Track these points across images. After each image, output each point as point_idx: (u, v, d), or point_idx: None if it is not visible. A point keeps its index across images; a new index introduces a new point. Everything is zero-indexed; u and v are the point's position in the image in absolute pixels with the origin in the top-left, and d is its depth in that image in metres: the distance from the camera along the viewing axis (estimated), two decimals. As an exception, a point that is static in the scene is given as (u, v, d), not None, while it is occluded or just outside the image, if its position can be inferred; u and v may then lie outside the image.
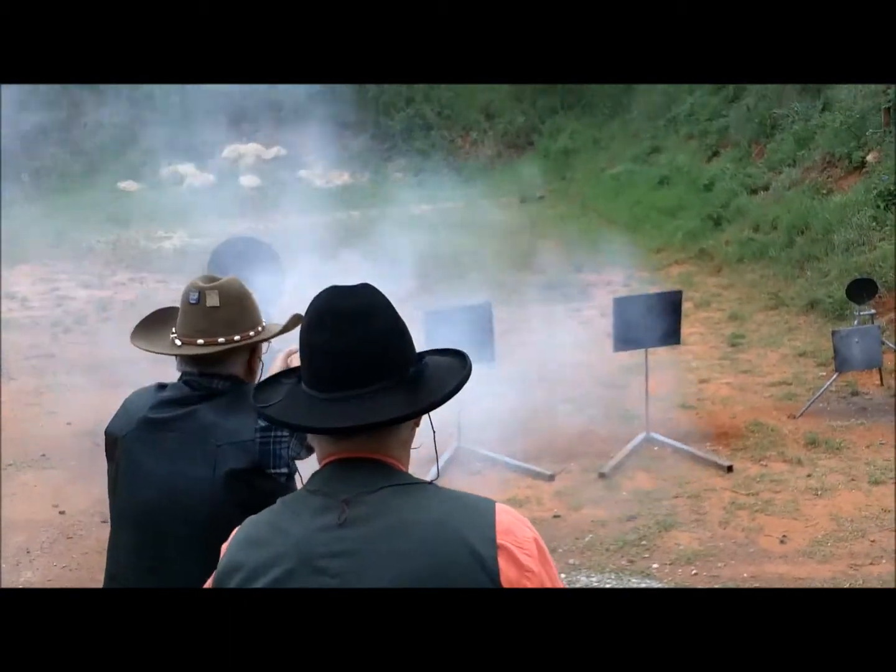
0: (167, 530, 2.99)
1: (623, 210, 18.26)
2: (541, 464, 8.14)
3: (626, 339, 8.26)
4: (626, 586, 6.21)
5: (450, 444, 8.31)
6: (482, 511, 1.89)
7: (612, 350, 8.45)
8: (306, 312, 1.98)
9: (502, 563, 1.82)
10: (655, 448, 8.33)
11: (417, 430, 2.06)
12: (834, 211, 13.39)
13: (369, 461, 1.94)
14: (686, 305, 10.23)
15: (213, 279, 3.11)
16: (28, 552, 7.07)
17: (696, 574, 6.30)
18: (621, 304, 8.32)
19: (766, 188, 16.29)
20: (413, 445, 2.06)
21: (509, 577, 1.81)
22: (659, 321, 8.14)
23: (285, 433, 2.92)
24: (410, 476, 1.97)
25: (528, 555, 1.85)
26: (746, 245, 14.53)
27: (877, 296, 9.40)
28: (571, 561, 6.60)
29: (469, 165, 22.23)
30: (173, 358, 3.15)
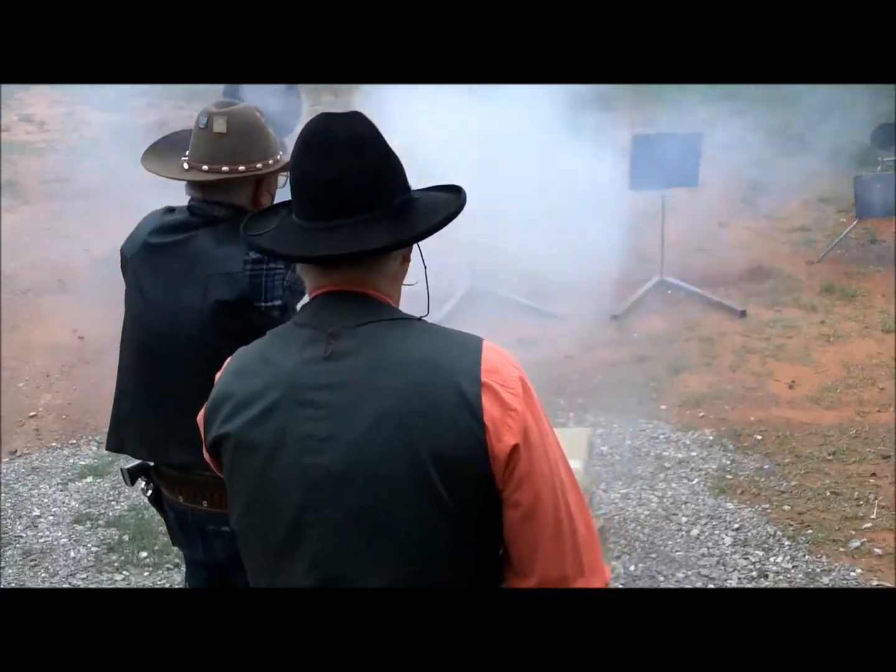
0: (162, 353, 3.03)
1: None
2: (553, 305, 8.15)
3: (643, 178, 8.17)
4: (634, 426, 6.31)
5: (464, 282, 8.33)
6: (468, 349, 1.89)
7: (629, 188, 8.37)
8: (296, 140, 1.95)
9: (486, 402, 1.82)
10: (669, 292, 8.34)
11: (412, 266, 2.05)
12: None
13: (357, 295, 1.93)
14: (707, 147, 10.07)
15: (227, 104, 3.07)
16: (48, 375, 7.19)
17: (703, 416, 6.38)
18: (640, 143, 8.22)
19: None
20: (407, 282, 2.05)
21: (492, 414, 1.82)
22: (677, 162, 8.04)
23: (280, 265, 2.91)
24: (399, 311, 1.97)
25: (513, 393, 1.85)
26: (772, 87, 14.22)
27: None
28: (580, 401, 6.67)
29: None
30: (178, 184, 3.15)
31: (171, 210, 3.17)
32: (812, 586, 4.62)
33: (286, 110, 7.53)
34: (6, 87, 15.14)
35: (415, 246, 2.01)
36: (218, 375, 2.04)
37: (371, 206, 1.89)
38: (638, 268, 8.58)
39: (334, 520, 1.83)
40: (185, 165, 3.06)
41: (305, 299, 2.03)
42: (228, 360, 2.05)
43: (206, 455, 2.07)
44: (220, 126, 3.00)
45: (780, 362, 7.06)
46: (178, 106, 14.57)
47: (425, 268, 2.06)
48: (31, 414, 6.69)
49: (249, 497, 1.93)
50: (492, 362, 1.87)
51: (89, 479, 5.87)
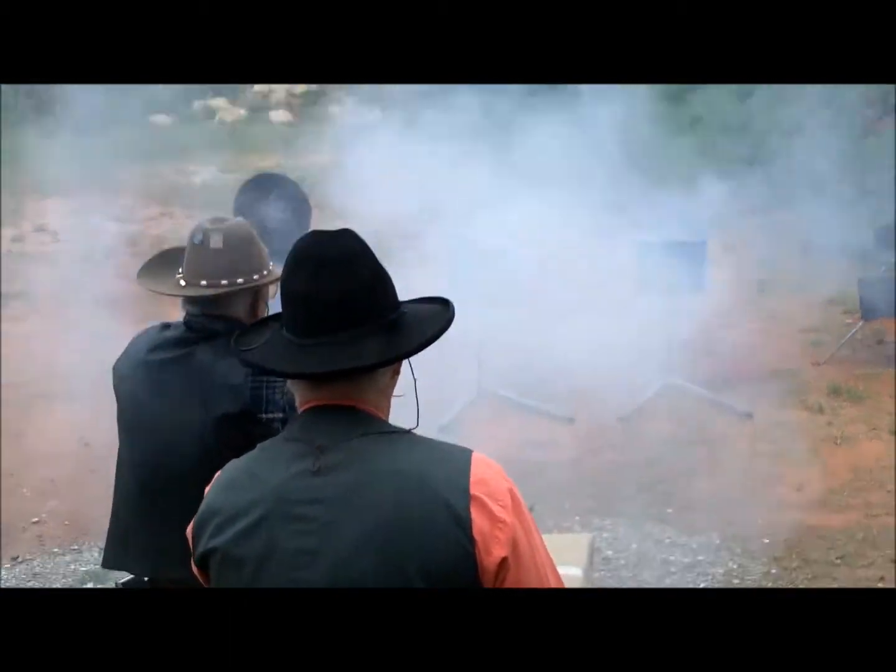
0: (162, 471, 3.03)
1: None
2: (560, 406, 8.13)
3: (650, 282, 8.23)
4: (640, 531, 6.25)
5: (470, 386, 8.34)
6: (457, 461, 1.90)
7: (635, 291, 8.43)
8: (287, 257, 1.97)
9: (475, 515, 1.82)
10: (676, 393, 8.31)
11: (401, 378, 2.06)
12: (870, 154, 13.17)
13: (346, 409, 1.93)
14: (713, 248, 10.14)
15: (220, 221, 3.12)
16: (52, 482, 7.19)
17: (709, 519, 6.32)
18: (645, 249, 8.31)
19: (799, 129, 16.03)
20: (396, 393, 2.06)
21: (482, 528, 1.82)
22: (683, 268, 8.10)
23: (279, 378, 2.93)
24: (388, 424, 1.97)
25: (502, 506, 1.85)
26: (777, 188, 14.33)
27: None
28: (587, 504, 6.63)
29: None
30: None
31: (166, 326, 3.20)
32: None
33: (293, 225, 7.62)
34: (21, 197, 15.40)
35: (405, 361, 2.02)
36: (207, 490, 2.04)
37: (362, 322, 1.91)
38: (645, 369, 8.57)
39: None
40: (182, 282, 3.09)
41: None
42: (218, 474, 2.06)
43: (193, 569, 2.05)
44: (216, 242, 3.05)
45: (787, 465, 7.00)
46: (191, 215, 14.76)
47: (415, 380, 2.07)
48: (35, 520, 6.69)
49: None
50: (481, 474, 1.88)
51: (90, 584, 5.83)
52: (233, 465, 2.04)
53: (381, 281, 1.98)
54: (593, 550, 4.39)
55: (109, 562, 3.24)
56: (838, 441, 7.33)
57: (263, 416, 2.94)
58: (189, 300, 3.12)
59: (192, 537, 2.02)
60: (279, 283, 2.02)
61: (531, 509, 4.26)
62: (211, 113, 22.16)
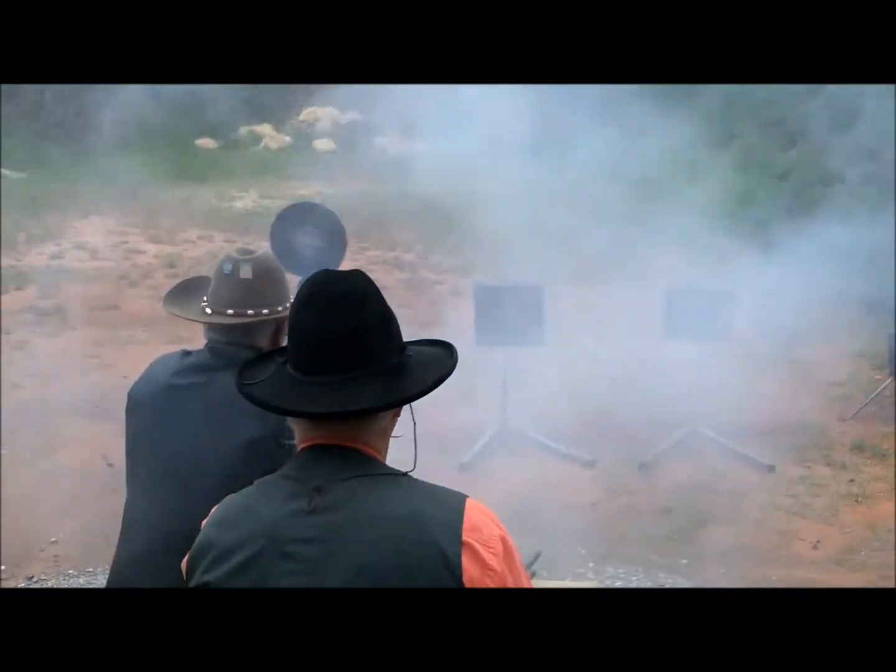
0: (181, 495, 3.05)
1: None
2: (583, 448, 8.14)
3: (676, 328, 8.25)
4: (654, 580, 6.23)
5: (494, 423, 8.36)
6: (451, 507, 1.90)
7: (665, 336, 8.44)
8: (297, 293, 2.00)
9: (466, 561, 1.83)
10: (700, 441, 8.29)
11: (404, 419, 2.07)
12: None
13: (344, 449, 1.95)
14: (746, 297, 10.11)
15: (248, 252, 3.18)
16: (74, 500, 7.24)
17: (723, 573, 6.29)
18: (672, 296, 8.32)
19: (840, 180, 15.99)
20: (395, 434, 2.07)
21: (472, 575, 1.83)
22: (710, 315, 8.10)
23: None
24: (385, 466, 1.99)
25: (493, 553, 1.86)
26: (810, 238, 14.29)
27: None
28: (601, 550, 6.61)
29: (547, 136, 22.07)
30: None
31: (187, 353, 3.24)
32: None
33: (328, 255, 7.67)
34: (62, 215, 15.59)
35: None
36: (203, 523, 2.05)
37: (365, 364, 1.93)
38: (669, 416, 8.56)
39: None
40: (208, 310, 3.15)
41: None
42: (215, 509, 2.07)
43: None
44: (245, 272, 3.10)
45: (806, 520, 6.98)
46: (230, 239, 14.90)
47: (414, 424, 2.07)
48: (53, 540, 6.74)
49: None
50: (474, 521, 1.88)
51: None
52: (229, 500, 2.05)
53: (387, 323, 2.00)
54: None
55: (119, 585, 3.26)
56: (859, 499, 7.28)
57: (287, 441, 2.96)
58: (214, 328, 3.17)
59: (187, 570, 2.02)
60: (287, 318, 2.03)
61: (537, 556, 4.28)
62: (256, 139, 22.37)
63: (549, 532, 6.73)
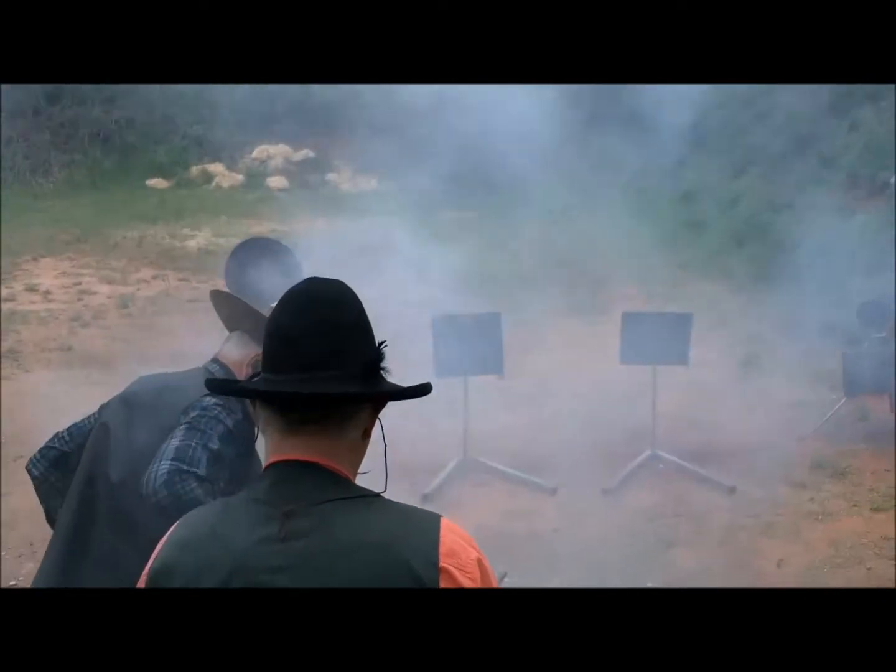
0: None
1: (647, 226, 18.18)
2: (544, 476, 8.14)
3: (634, 353, 8.29)
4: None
5: (456, 454, 8.35)
6: (426, 531, 1.85)
7: (619, 361, 8.48)
8: (277, 303, 1.97)
9: (443, 588, 1.79)
10: (661, 466, 8.32)
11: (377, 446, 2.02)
12: (857, 233, 13.29)
13: (314, 467, 1.89)
14: (702, 323, 10.20)
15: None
16: (31, 544, 7.13)
17: (689, 594, 6.29)
18: (630, 320, 8.37)
19: (790, 206, 16.18)
20: (361, 471, 2.01)
21: None
22: (668, 340, 8.15)
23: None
24: (357, 488, 1.93)
25: (470, 578, 1.82)
26: (766, 266, 14.45)
27: (889, 319, 9.31)
28: (568, 576, 6.59)
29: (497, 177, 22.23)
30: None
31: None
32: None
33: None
34: (13, 257, 15.46)
35: (377, 424, 2.00)
36: (160, 544, 1.97)
37: (344, 363, 1.89)
38: (630, 441, 8.59)
39: None
40: None
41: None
42: (174, 528, 1.98)
43: None
44: None
45: (768, 539, 7.00)
46: (184, 277, 14.84)
47: (385, 444, 2.02)
48: (12, 583, 6.63)
49: None
50: (450, 544, 1.84)
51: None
52: (191, 520, 1.97)
53: (364, 329, 1.96)
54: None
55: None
56: (820, 517, 7.32)
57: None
58: None
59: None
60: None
61: (502, 577, 4.26)
62: (208, 178, 22.33)
63: (514, 558, 6.73)
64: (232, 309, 3.45)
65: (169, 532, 1.98)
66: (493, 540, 7.08)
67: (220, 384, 2.11)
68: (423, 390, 1.99)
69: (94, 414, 3.45)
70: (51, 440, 3.47)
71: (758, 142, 19.68)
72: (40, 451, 3.46)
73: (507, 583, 4.77)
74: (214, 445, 3.02)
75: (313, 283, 1.96)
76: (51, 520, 3.50)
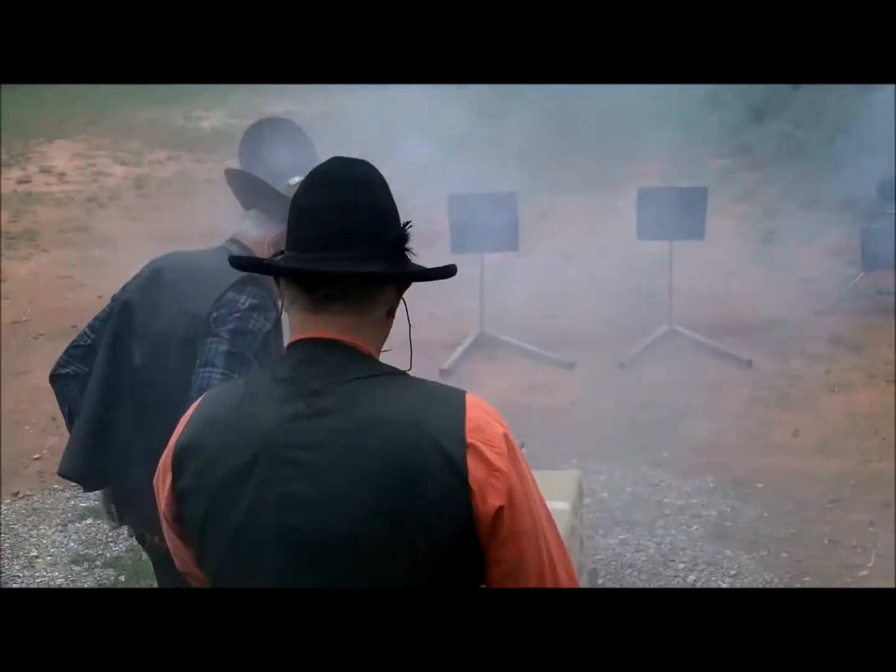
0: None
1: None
2: (562, 352, 8.18)
3: (650, 228, 8.25)
4: (636, 473, 6.31)
5: (473, 330, 8.39)
6: (452, 407, 1.85)
7: (636, 237, 8.46)
8: (303, 180, 1.94)
9: (471, 463, 1.77)
10: (677, 340, 8.33)
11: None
12: (877, 108, 13.08)
13: (339, 345, 1.88)
14: (719, 200, 10.12)
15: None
16: (54, 419, 7.23)
17: (705, 463, 6.37)
18: (646, 195, 8.32)
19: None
20: (385, 348, 1.99)
21: (477, 476, 1.77)
22: (683, 215, 8.10)
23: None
24: (382, 365, 1.92)
25: (498, 453, 1.80)
26: (786, 140, 14.29)
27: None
28: (584, 447, 6.67)
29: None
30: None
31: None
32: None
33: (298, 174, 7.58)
34: (27, 139, 15.40)
35: (401, 304, 1.98)
36: (184, 421, 1.96)
37: (370, 243, 1.87)
38: (647, 316, 8.61)
39: (316, 585, 1.79)
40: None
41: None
42: (197, 405, 1.98)
43: (162, 510, 1.97)
44: None
45: (784, 411, 7.05)
46: (199, 159, 14.75)
47: (410, 325, 2.00)
48: (36, 456, 6.75)
49: (223, 557, 1.87)
50: (476, 420, 1.83)
51: (89, 520, 5.91)
52: (215, 398, 1.97)
53: (389, 209, 1.94)
54: (581, 486, 4.41)
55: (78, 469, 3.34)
56: (836, 389, 7.36)
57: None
58: None
59: (172, 469, 1.92)
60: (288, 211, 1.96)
61: (522, 446, 4.31)
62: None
63: (531, 431, 6.80)
64: (248, 187, 3.41)
65: (192, 408, 1.98)
66: (511, 413, 7.09)
67: (247, 262, 2.08)
68: (447, 272, 1.97)
69: (111, 304, 3.40)
70: (73, 341, 3.43)
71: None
72: (65, 353, 3.41)
73: (525, 452, 4.83)
74: (251, 354, 3.04)
75: (339, 162, 1.93)
76: (71, 424, 3.42)
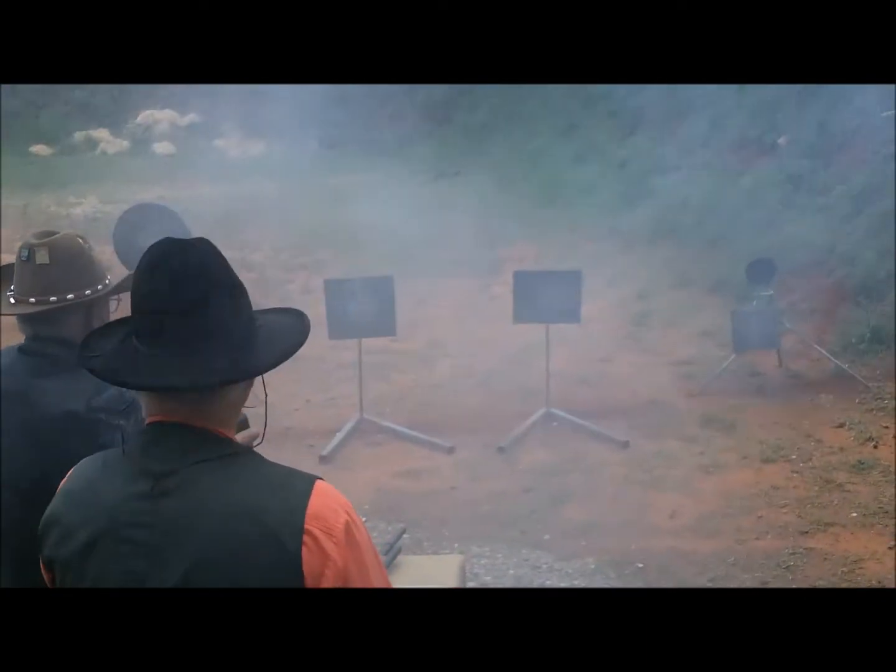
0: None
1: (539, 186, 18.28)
2: (442, 436, 8.18)
3: (526, 312, 8.34)
4: (518, 557, 6.30)
5: (352, 415, 8.34)
6: (296, 493, 1.86)
7: (512, 321, 8.53)
8: (141, 262, 1.92)
9: (306, 554, 1.80)
10: (555, 423, 8.39)
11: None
12: (745, 193, 13.52)
13: (188, 428, 1.90)
14: (594, 282, 10.28)
15: (47, 234, 2.94)
16: None
17: (585, 545, 6.40)
18: (522, 279, 8.43)
19: (677, 168, 16.37)
20: (248, 405, 2.02)
21: (312, 566, 1.80)
22: (559, 298, 8.21)
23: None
24: (230, 444, 1.94)
25: (335, 542, 1.83)
26: (657, 223, 14.63)
27: (776, 277, 9.50)
28: (465, 532, 6.65)
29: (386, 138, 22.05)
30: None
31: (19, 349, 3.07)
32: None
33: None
34: None
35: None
36: (60, 486, 2.02)
37: (214, 336, 1.87)
38: (525, 399, 8.66)
39: None
40: (12, 300, 2.93)
41: None
42: (70, 473, 2.03)
43: (42, 566, 2.02)
44: (42, 257, 2.86)
45: (661, 493, 7.13)
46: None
47: (266, 395, 2.01)
48: None
49: None
50: (318, 507, 1.84)
51: None
52: (80, 472, 2.01)
53: (235, 294, 1.94)
54: (464, 570, 4.38)
55: None
56: (710, 469, 7.48)
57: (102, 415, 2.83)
58: (22, 320, 2.94)
59: (39, 537, 2.00)
60: (119, 297, 1.97)
61: (402, 532, 4.28)
62: (93, 144, 21.82)
63: (413, 517, 6.77)
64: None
65: (65, 478, 2.03)
66: (393, 498, 7.14)
67: (96, 367, 2.01)
68: (296, 346, 1.98)
69: None
70: None
71: (646, 103, 19.89)
72: None
73: (405, 538, 4.79)
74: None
75: (179, 249, 1.90)
76: None
